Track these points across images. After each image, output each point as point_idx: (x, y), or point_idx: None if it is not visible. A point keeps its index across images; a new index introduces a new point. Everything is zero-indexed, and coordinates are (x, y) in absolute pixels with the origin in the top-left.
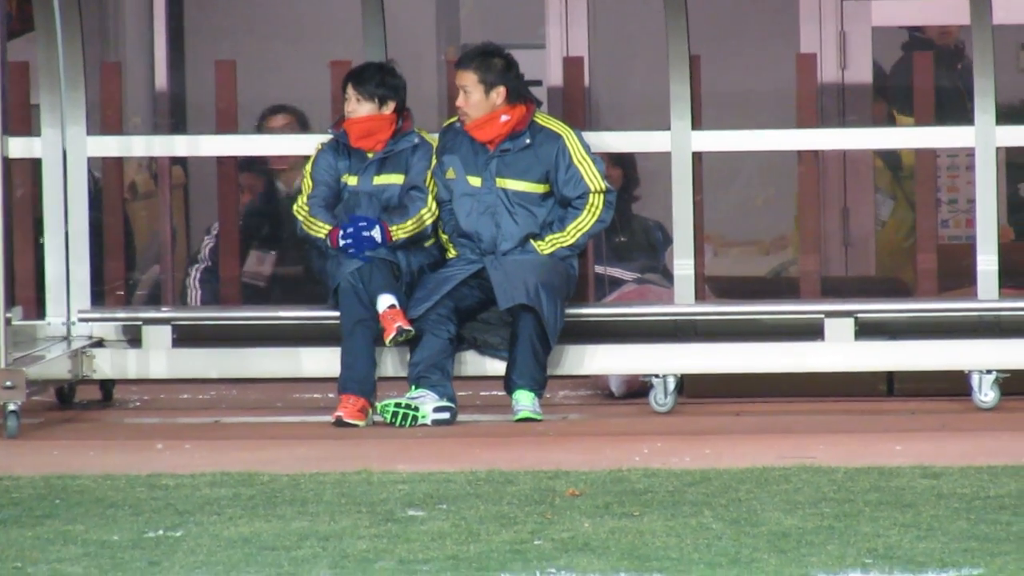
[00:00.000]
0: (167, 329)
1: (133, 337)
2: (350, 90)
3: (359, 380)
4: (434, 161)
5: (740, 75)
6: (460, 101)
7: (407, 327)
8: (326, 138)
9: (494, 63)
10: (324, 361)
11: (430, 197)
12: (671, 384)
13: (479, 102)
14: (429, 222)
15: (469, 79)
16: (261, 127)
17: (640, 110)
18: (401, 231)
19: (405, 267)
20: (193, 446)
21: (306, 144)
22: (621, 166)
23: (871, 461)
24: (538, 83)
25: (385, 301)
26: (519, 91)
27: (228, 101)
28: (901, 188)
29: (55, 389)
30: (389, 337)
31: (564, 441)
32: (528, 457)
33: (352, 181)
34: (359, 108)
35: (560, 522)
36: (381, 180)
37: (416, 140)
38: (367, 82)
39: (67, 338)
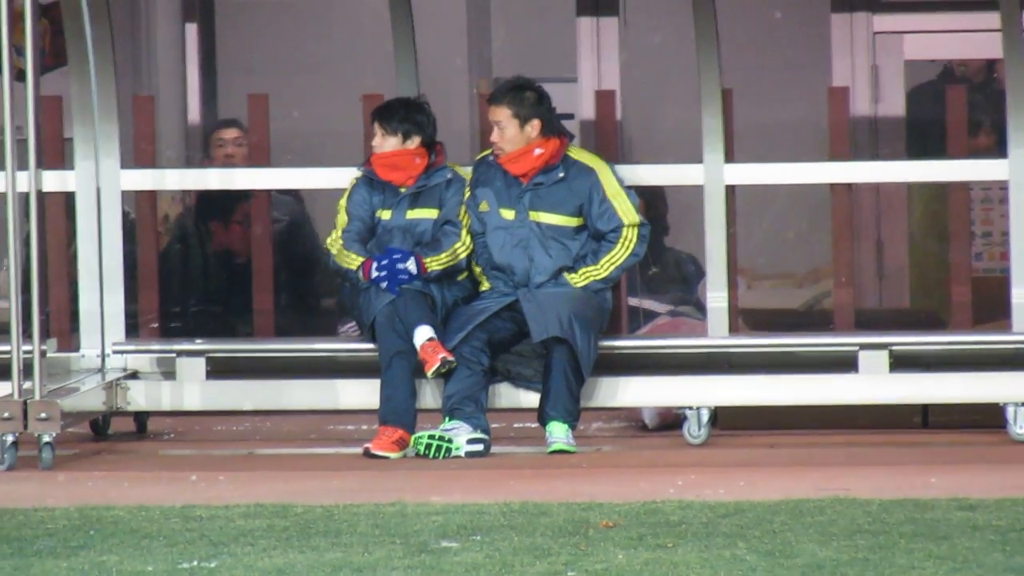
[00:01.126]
0: (201, 361)
1: (167, 369)
2: (376, 125)
3: (398, 412)
4: (467, 194)
5: (772, 108)
6: (495, 136)
7: (450, 358)
8: (358, 172)
9: (527, 96)
10: (361, 393)
11: (464, 231)
12: (705, 416)
13: (514, 136)
14: (463, 255)
15: (503, 114)
16: (210, 140)
17: (672, 143)
18: (435, 263)
19: (440, 301)
20: (227, 477)
21: (338, 177)
22: (644, 196)
23: (906, 493)
24: (570, 116)
25: (423, 334)
26: (552, 124)
27: (261, 134)
28: None
29: (89, 421)
30: (432, 369)
31: (598, 473)
32: (562, 489)
33: (386, 215)
34: (384, 143)
35: (594, 554)
36: (414, 214)
37: (449, 175)
38: (391, 117)
39: (101, 370)
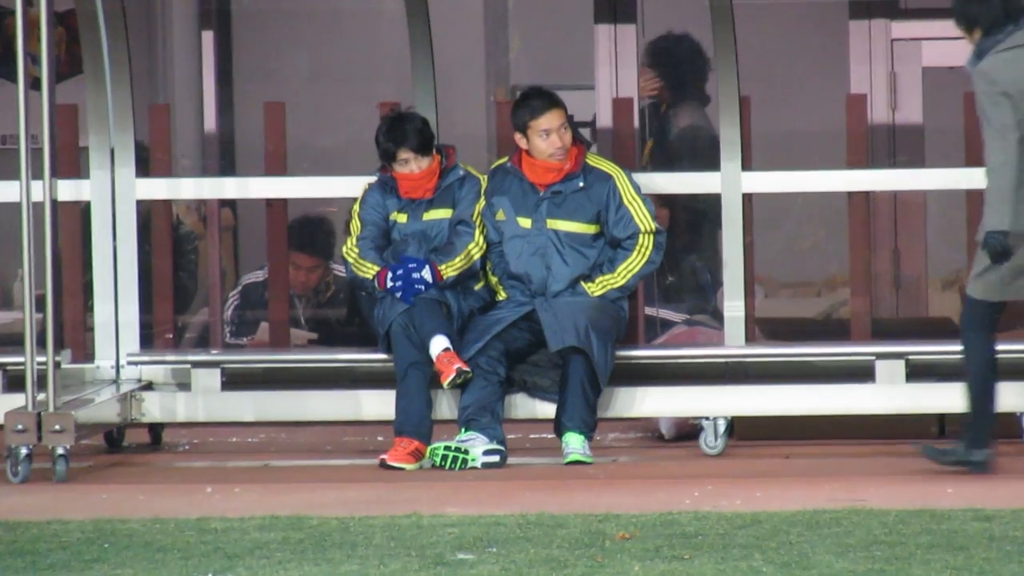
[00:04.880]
0: (216, 372)
1: (182, 380)
2: (407, 154)
3: (413, 423)
4: (482, 202)
5: (790, 116)
6: (558, 142)
7: (465, 368)
8: (373, 179)
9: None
10: (377, 404)
11: (477, 231)
12: (721, 426)
13: (569, 140)
14: (477, 256)
15: (562, 116)
16: None
17: (689, 151)
18: (450, 269)
19: (456, 310)
20: (242, 489)
21: (355, 186)
22: (668, 206)
23: (922, 504)
24: (588, 124)
25: (439, 344)
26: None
27: (277, 143)
28: None
29: (104, 433)
30: (447, 380)
31: (614, 484)
32: (578, 500)
33: (402, 219)
34: (421, 163)
35: (610, 565)
36: (431, 216)
37: (462, 173)
38: (423, 143)
39: (116, 381)
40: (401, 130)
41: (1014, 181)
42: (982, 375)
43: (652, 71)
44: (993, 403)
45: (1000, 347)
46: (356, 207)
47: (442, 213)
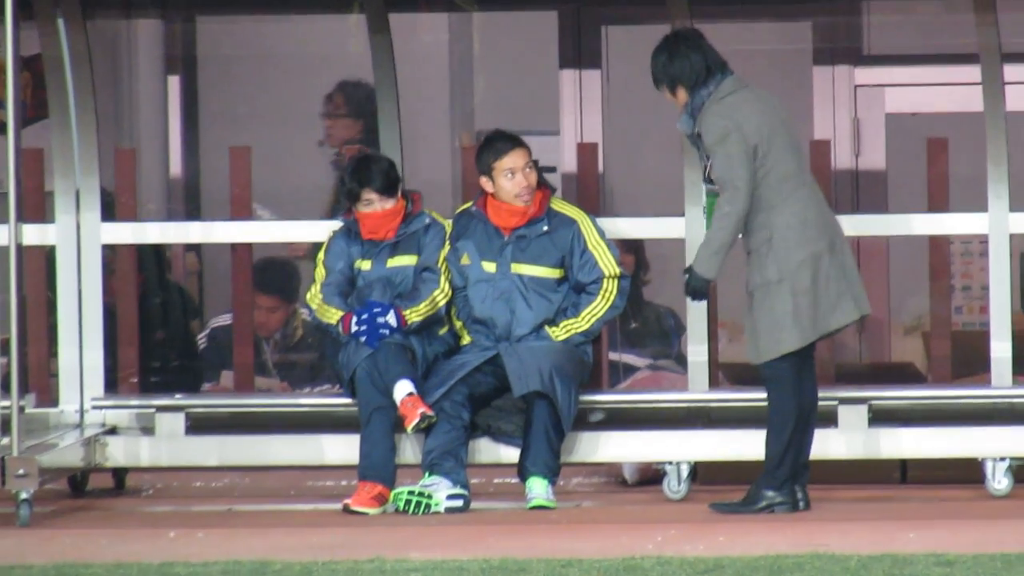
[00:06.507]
0: (181, 416)
1: (146, 424)
2: (371, 195)
3: (377, 468)
4: (447, 247)
5: None
6: (523, 182)
7: (429, 413)
8: (338, 225)
9: None
10: (342, 448)
11: (443, 278)
12: (685, 471)
13: (535, 181)
14: (442, 303)
15: (526, 156)
16: None
17: (654, 196)
18: (415, 314)
19: (420, 355)
20: (206, 534)
21: (319, 230)
22: (633, 252)
23: (885, 549)
24: (552, 169)
25: (403, 389)
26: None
27: (243, 187)
28: None
29: (68, 477)
30: (411, 425)
31: (577, 529)
32: (541, 545)
33: (366, 266)
34: (385, 204)
35: None
36: (395, 262)
37: (427, 220)
38: (389, 185)
39: (80, 426)
40: (367, 171)
41: (733, 234)
42: (790, 427)
43: (350, 119)
44: (801, 448)
45: (963, 392)
46: (321, 254)
47: (407, 260)
